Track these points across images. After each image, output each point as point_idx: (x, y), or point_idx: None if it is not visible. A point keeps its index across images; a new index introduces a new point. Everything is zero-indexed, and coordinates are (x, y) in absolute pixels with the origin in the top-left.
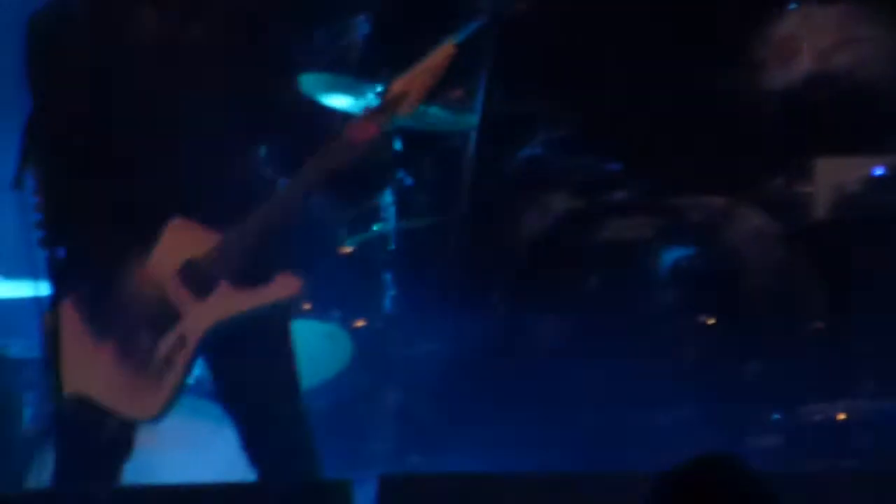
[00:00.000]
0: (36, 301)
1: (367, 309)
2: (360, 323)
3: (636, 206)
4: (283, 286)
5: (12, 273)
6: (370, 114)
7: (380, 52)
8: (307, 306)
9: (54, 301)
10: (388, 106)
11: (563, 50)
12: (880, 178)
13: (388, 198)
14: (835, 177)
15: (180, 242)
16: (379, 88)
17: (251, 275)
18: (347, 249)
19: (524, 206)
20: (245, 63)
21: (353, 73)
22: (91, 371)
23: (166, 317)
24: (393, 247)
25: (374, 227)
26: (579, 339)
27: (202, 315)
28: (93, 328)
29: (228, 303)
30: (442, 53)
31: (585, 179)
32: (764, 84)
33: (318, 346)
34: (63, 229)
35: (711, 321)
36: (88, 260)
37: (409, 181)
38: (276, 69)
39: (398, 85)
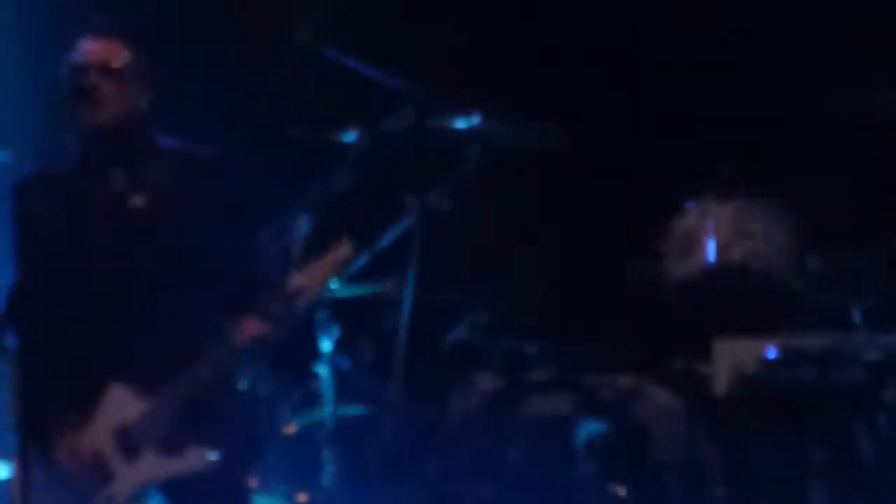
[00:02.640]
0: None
1: (309, 484)
2: (302, 497)
3: (553, 385)
4: (197, 457)
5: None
6: (267, 309)
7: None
8: (254, 483)
9: (18, 467)
10: (288, 297)
11: (484, 242)
12: (772, 359)
13: (327, 382)
14: (732, 357)
15: (117, 407)
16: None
17: (170, 443)
18: (291, 429)
19: (453, 384)
20: (183, 232)
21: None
22: None
23: (103, 478)
24: (332, 426)
25: (315, 410)
26: None
27: (128, 478)
28: (44, 491)
29: (150, 468)
30: (341, 251)
31: (506, 360)
32: (666, 274)
33: None
34: (24, 396)
35: (623, 491)
36: (41, 426)
37: (346, 365)
38: (214, 243)
39: (299, 278)
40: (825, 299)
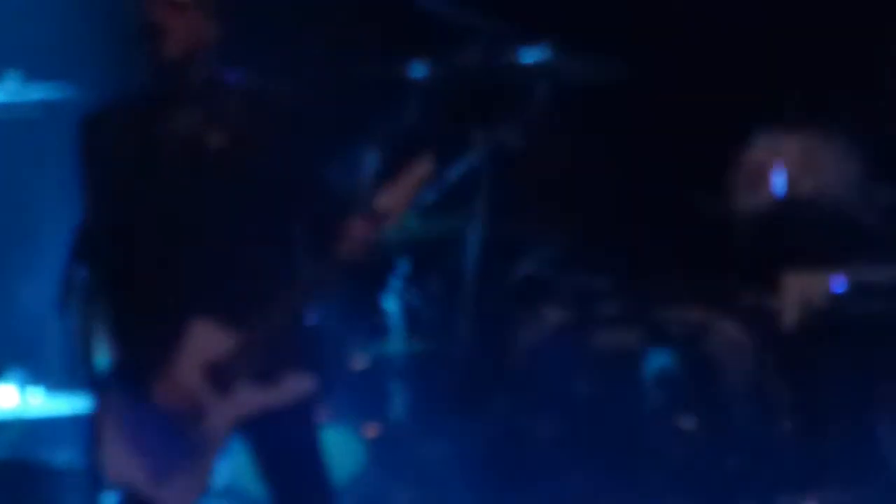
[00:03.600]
0: (78, 414)
1: (378, 417)
2: (371, 431)
3: (622, 319)
4: (297, 385)
5: (56, 388)
6: (364, 219)
7: None
8: (323, 416)
9: (97, 408)
10: (376, 218)
11: (554, 177)
12: (841, 292)
13: (397, 315)
14: (801, 291)
15: (202, 344)
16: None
17: (267, 374)
18: (360, 363)
19: (522, 318)
20: (262, 170)
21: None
22: (131, 468)
23: (194, 416)
24: (401, 360)
25: (384, 344)
26: (572, 439)
27: (224, 413)
28: (130, 430)
29: (248, 401)
30: (422, 166)
31: (574, 294)
32: (736, 206)
33: (333, 452)
34: (104, 337)
35: (691, 423)
36: (123, 365)
37: (417, 299)
38: (294, 181)
39: (384, 198)
40: (894, 232)
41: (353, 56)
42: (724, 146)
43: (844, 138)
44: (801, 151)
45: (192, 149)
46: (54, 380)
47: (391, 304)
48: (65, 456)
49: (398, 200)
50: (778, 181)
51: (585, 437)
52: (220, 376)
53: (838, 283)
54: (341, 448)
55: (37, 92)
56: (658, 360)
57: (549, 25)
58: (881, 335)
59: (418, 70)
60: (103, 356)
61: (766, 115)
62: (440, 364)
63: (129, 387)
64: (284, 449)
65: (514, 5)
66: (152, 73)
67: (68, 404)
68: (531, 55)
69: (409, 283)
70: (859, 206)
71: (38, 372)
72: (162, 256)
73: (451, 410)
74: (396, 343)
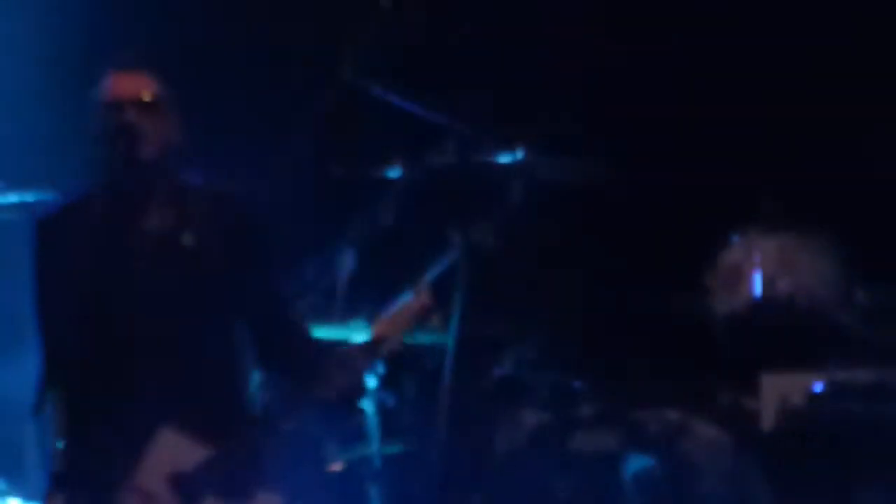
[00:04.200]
0: None
1: None
2: None
3: (599, 420)
4: (266, 502)
5: (34, 498)
6: (360, 351)
7: (363, 288)
8: None
9: None
10: (373, 347)
11: (530, 277)
12: (819, 393)
13: (372, 418)
14: (779, 392)
15: (170, 452)
16: (363, 328)
17: (236, 490)
18: (337, 466)
19: (499, 420)
20: (228, 272)
21: (338, 308)
22: None
23: None
24: (378, 464)
25: (362, 447)
26: None
27: None
28: None
29: None
30: (421, 300)
31: (552, 395)
32: (713, 308)
33: None
34: (70, 443)
35: None
36: (88, 472)
37: (392, 402)
38: (262, 288)
39: (381, 327)
40: (872, 333)
41: (330, 157)
42: (701, 247)
43: (821, 239)
44: (777, 252)
45: (165, 249)
46: (32, 490)
47: (367, 406)
48: None
49: (393, 331)
50: (755, 282)
51: None
52: (187, 488)
53: (816, 384)
54: None
55: (17, 197)
56: (636, 462)
57: (525, 126)
58: (859, 437)
59: (394, 170)
60: (69, 462)
61: (742, 215)
62: (417, 466)
63: (94, 495)
64: None
65: (490, 106)
66: (119, 173)
67: None
68: (507, 155)
69: (385, 383)
70: (836, 307)
71: (16, 482)
72: (127, 359)
73: None
74: (373, 445)
